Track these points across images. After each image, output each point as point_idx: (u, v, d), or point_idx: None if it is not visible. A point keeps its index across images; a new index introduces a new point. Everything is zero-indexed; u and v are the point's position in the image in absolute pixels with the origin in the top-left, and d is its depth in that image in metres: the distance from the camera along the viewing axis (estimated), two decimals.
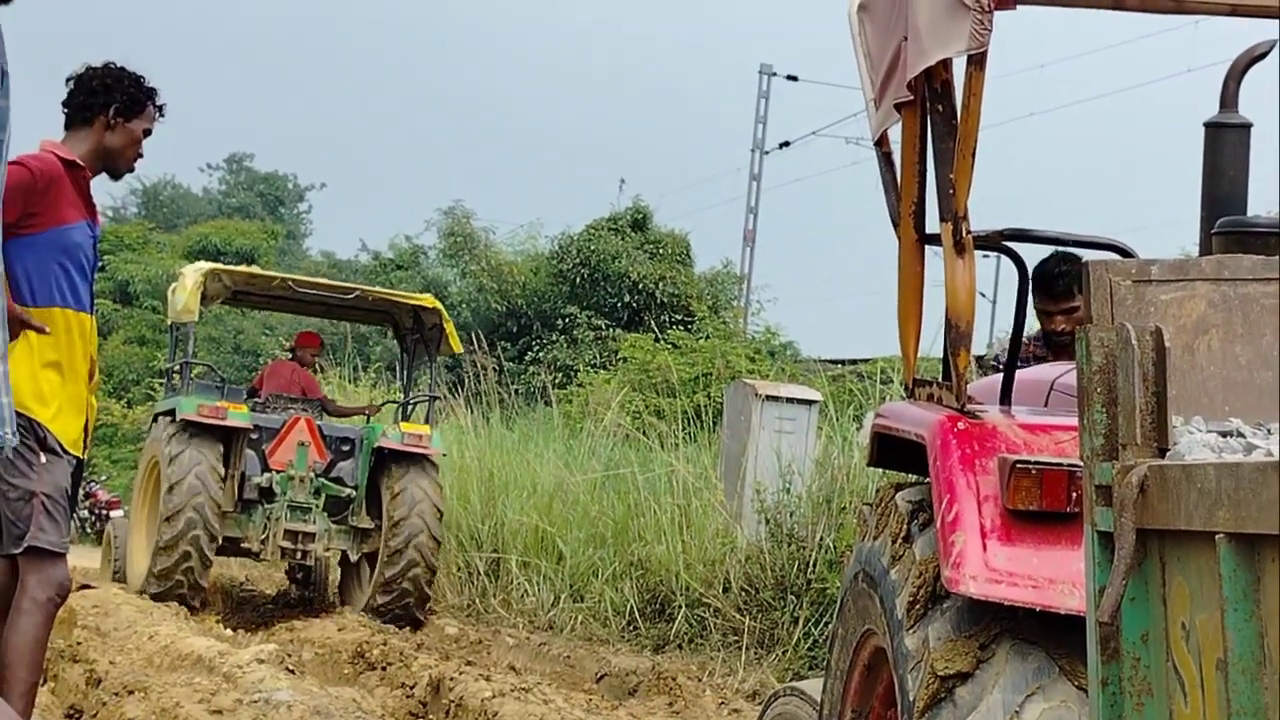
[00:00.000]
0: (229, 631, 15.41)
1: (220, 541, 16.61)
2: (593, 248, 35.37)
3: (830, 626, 5.91)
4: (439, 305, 17.62)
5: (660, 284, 34.57)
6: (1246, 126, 5.59)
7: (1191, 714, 3.31)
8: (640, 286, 34.53)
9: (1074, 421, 4.93)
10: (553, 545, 17.63)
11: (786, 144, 42.09)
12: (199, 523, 15.94)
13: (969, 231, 5.01)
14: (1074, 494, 4.64)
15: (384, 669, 12.69)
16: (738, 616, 13.98)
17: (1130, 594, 3.41)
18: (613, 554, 16.07)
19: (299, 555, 16.75)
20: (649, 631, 15.31)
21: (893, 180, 5.63)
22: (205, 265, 17.53)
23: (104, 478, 33.59)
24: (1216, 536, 3.07)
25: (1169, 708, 3.40)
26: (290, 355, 19.29)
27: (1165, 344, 3.47)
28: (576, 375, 28.98)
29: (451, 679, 11.37)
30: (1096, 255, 5.34)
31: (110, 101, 6.97)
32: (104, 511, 30.02)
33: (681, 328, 29.28)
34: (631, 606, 15.62)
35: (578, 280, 35.52)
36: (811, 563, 13.88)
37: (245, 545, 17.01)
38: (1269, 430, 3.52)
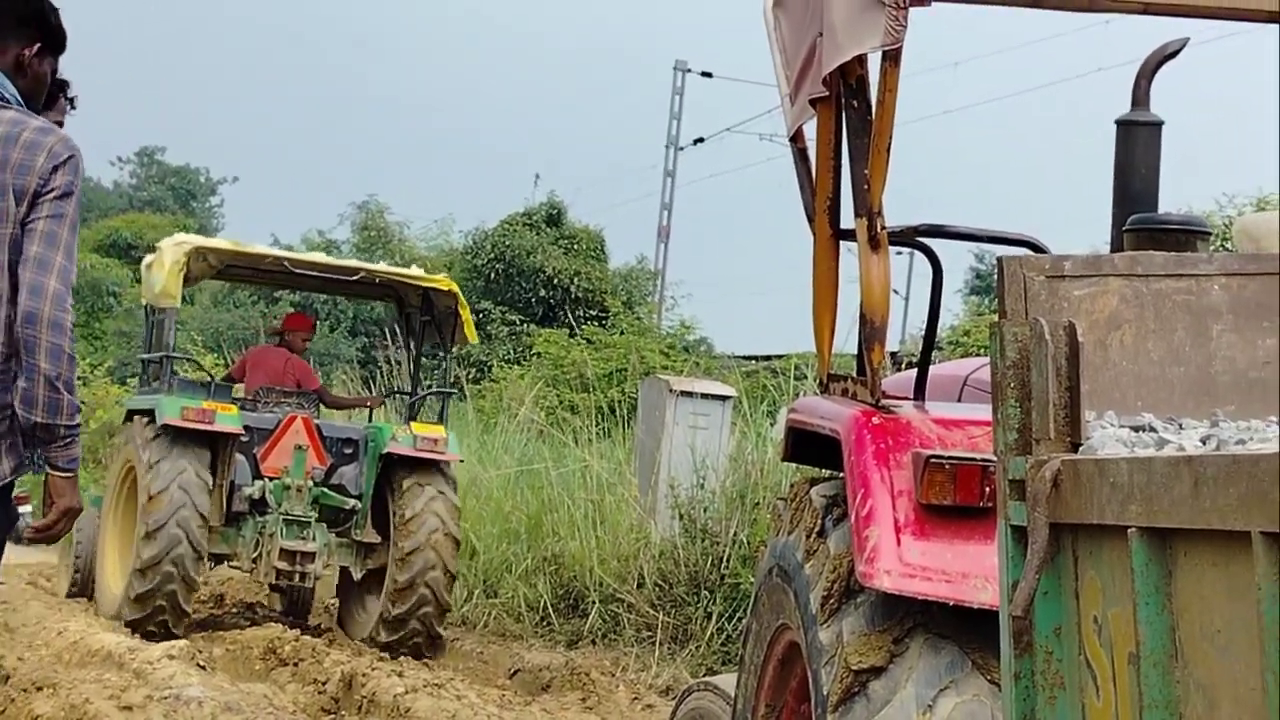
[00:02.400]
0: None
1: (208, 563, 14.82)
2: (507, 243, 35.33)
3: (744, 621, 5.93)
4: (455, 288, 15.60)
5: (575, 279, 34.57)
6: (1158, 124, 5.64)
7: (1104, 707, 3.33)
8: (555, 282, 34.52)
9: (988, 416, 4.97)
10: (466, 541, 17.60)
11: (700, 140, 42.11)
12: (183, 540, 13.90)
13: (884, 227, 5.03)
14: (987, 489, 4.66)
15: (295, 665, 12.63)
16: (651, 612, 13.99)
17: (1043, 588, 3.43)
18: (526, 549, 16.05)
19: (297, 577, 14.57)
20: (563, 627, 15.30)
21: (808, 176, 5.64)
22: (189, 242, 15.03)
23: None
24: (1129, 530, 3.09)
25: (1081, 701, 3.42)
26: (278, 340, 16.53)
27: (1079, 339, 3.49)
28: (491, 370, 28.95)
29: (364, 675, 11.34)
30: (1010, 252, 5.37)
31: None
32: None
33: (596, 323, 29.26)
34: (545, 602, 15.61)
35: (492, 275, 35.47)
36: (725, 558, 13.91)
37: (234, 564, 15.20)
38: (1179, 425, 3.54)
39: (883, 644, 4.72)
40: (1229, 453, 2.97)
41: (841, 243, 5.48)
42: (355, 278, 15.55)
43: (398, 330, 19.10)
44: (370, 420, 16.61)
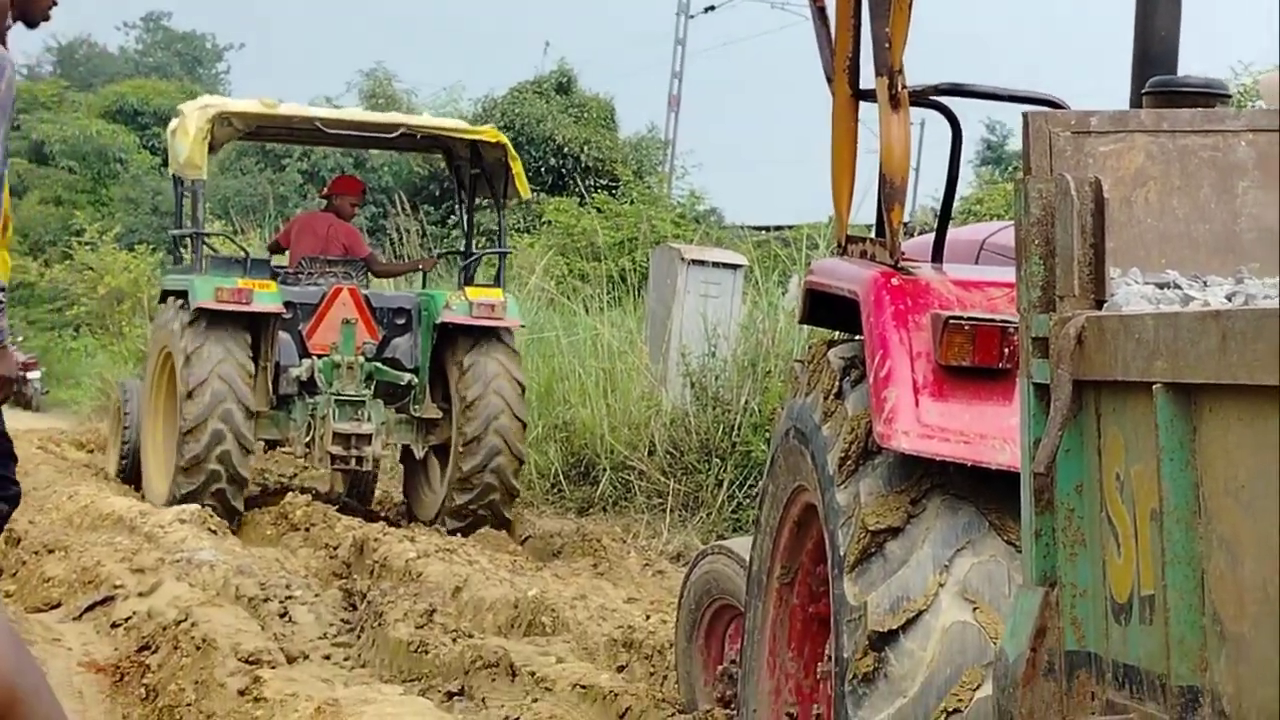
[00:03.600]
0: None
1: (254, 454, 13.89)
2: (517, 111, 35.15)
3: (760, 484, 5.94)
4: (504, 139, 14.36)
5: (585, 148, 34.43)
6: None
7: (1125, 564, 3.34)
8: (565, 150, 34.38)
9: (1006, 278, 4.95)
10: None
11: (712, 8, 41.91)
12: (226, 436, 13.01)
13: (904, 86, 4.99)
14: (1006, 350, 4.66)
15: (307, 530, 12.70)
16: (662, 479, 14.04)
17: (1065, 445, 3.43)
18: (537, 417, 16.07)
19: (354, 461, 13.63)
20: (573, 494, 15.36)
21: (827, 36, 5.59)
22: (211, 106, 13.83)
23: (19, 339, 33.39)
24: (1154, 386, 3.08)
25: (1102, 558, 3.43)
26: (326, 205, 15.29)
27: (1104, 195, 3.47)
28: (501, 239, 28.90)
29: (375, 540, 11.39)
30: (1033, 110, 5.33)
31: None
32: (21, 373, 29.75)
33: (606, 192, 29.18)
34: (556, 470, 15.66)
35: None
36: (736, 426, 13.94)
37: (287, 449, 14.30)
38: (1204, 282, 3.53)
39: (900, 504, 4.72)
40: (1258, 308, 2.96)
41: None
42: (395, 134, 14.48)
43: (447, 189, 18.55)
44: (424, 286, 15.46)
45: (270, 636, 8.39)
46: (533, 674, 7.82)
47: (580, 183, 31.08)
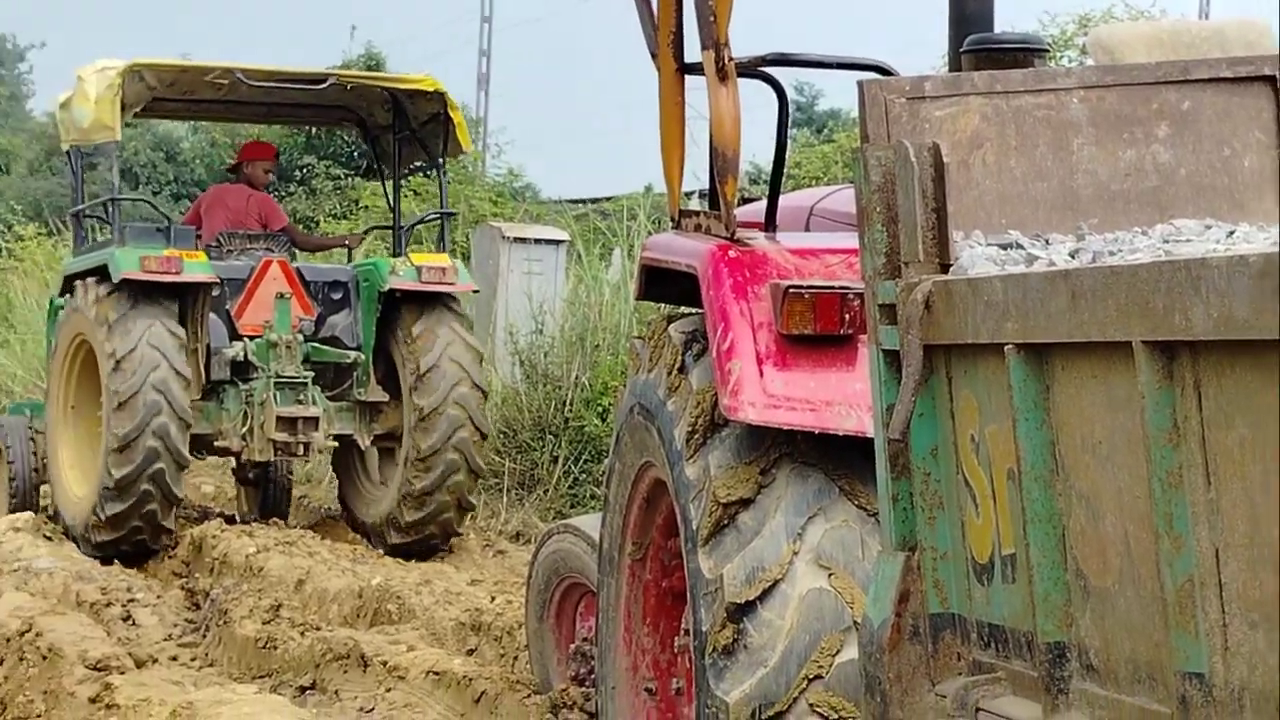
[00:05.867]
0: None
1: (189, 468, 12.06)
2: None
3: (605, 462, 5.91)
4: (442, 87, 12.65)
5: None
6: None
7: (984, 524, 3.35)
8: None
9: (841, 245, 4.96)
10: None
11: None
12: (163, 406, 11.28)
13: (731, 59, 4.98)
14: (847, 316, 4.66)
15: None
16: (496, 459, 13.96)
17: (918, 410, 3.44)
18: None
19: (300, 449, 11.95)
20: None
21: (649, 12, 5.56)
22: (117, 62, 11.99)
23: None
24: (1005, 348, 3.09)
25: (961, 519, 3.44)
26: (235, 177, 13.65)
27: (943, 160, 3.48)
28: (318, 226, 28.63)
29: (214, 537, 11.23)
30: (864, 77, 5.34)
31: None
32: None
33: (421, 174, 29.01)
34: None
35: (313, 130, 35.01)
36: (568, 401, 13.90)
37: (220, 443, 12.23)
38: (1046, 241, 3.55)
39: (750, 475, 4.72)
40: (1106, 265, 2.97)
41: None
42: (324, 85, 12.57)
43: (370, 154, 16.08)
44: (350, 261, 13.85)
45: (116, 641, 8.27)
46: (384, 663, 7.75)
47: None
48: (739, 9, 5.00)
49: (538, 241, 16.14)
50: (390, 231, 13.55)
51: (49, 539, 11.49)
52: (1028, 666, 3.23)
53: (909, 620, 3.50)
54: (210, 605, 9.26)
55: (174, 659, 8.62)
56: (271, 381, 11.84)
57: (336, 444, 12.26)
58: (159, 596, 9.88)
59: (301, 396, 11.93)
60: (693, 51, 5.23)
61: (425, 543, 11.96)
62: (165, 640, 9.00)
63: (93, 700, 6.89)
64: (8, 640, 7.99)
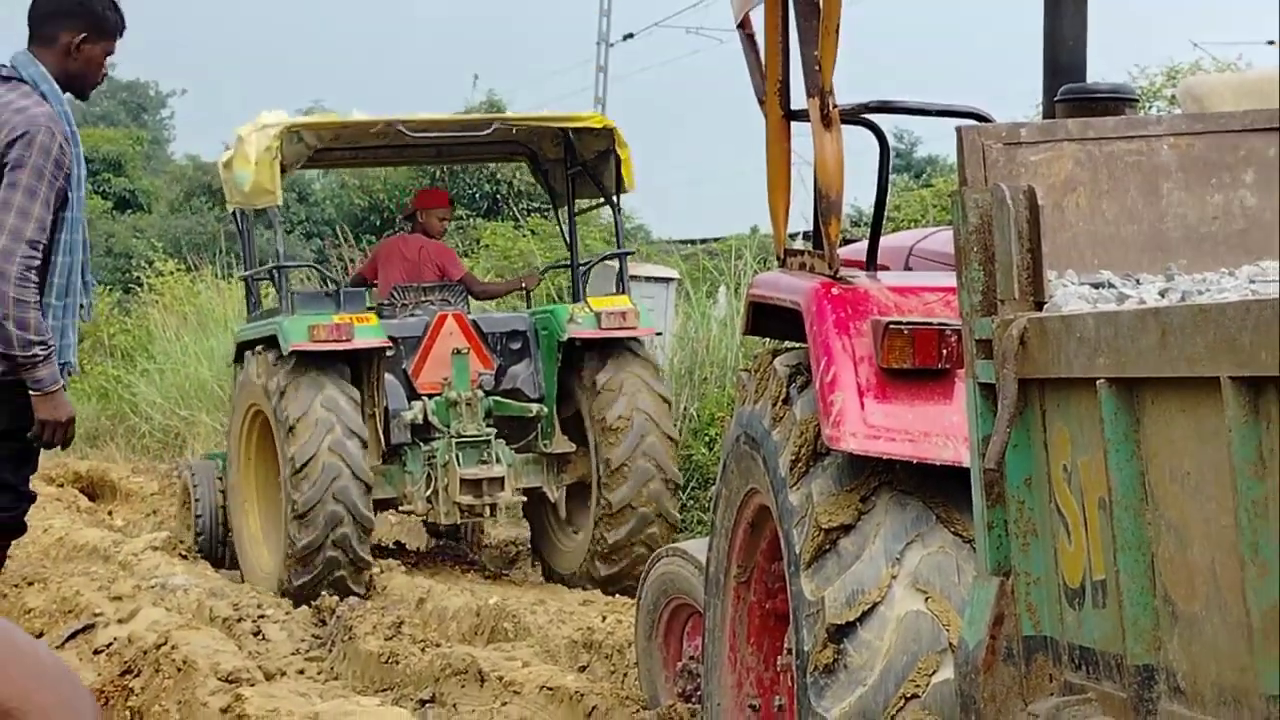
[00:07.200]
0: (119, 522, 15.26)
1: (374, 530, 11.34)
2: None
3: (712, 489, 5.92)
4: (611, 123, 11.90)
5: (518, 173, 34.41)
6: None
7: (1075, 551, 3.34)
8: (498, 176, 34.35)
9: (939, 283, 4.96)
10: None
11: (630, 36, 41.93)
12: (342, 469, 10.65)
13: (835, 105, 4.99)
14: (944, 351, 4.65)
15: None
16: None
17: (1013, 441, 3.43)
18: None
19: (487, 510, 11.31)
20: None
21: (756, 61, 5.59)
22: (276, 122, 11.38)
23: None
24: (1097, 382, 3.08)
25: (1053, 546, 3.43)
26: (411, 227, 12.90)
27: (1037, 202, 3.48)
28: None
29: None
30: (962, 124, 5.34)
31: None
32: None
33: (539, 215, 29.15)
34: None
35: (437, 173, 35.26)
36: (678, 431, 13.92)
37: (405, 508, 11.71)
38: (1136, 280, 3.54)
39: (850, 502, 4.72)
40: (1194, 303, 2.96)
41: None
42: (488, 131, 11.90)
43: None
44: (528, 306, 13.10)
45: (247, 655, 8.33)
46: (500, 678, 7.78)
47: (514, 207, 31.04)
48: (843, 60, 5.01)
49: (649, 279, 16.19)
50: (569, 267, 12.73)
51: (184, 557, 11.61)
52: (1117, 688, 3.21)
53: (1003, 642, 3.48)
54: (336, 621, 9.33)
55: (301, 672, 8.68)
56: (453, 442, 11.22)
57: (525, 498, 11.59)
58: (287, 613, 9.96)
59: (485, 455, 11.26)
60: (799, 98, 5.25)
61: (621, 591, 11.01)
62: (293, 654, 9.07)
63: (224, 710, 6.95)
64: (145, 653, 8.08)
